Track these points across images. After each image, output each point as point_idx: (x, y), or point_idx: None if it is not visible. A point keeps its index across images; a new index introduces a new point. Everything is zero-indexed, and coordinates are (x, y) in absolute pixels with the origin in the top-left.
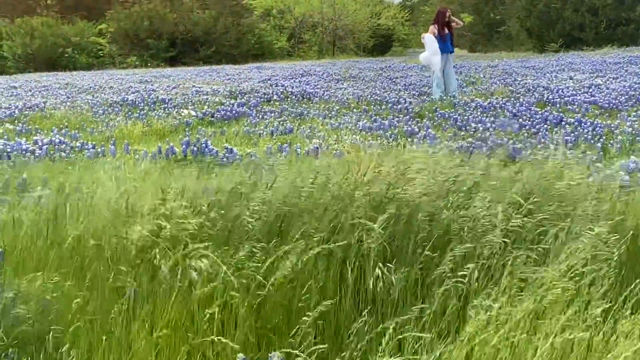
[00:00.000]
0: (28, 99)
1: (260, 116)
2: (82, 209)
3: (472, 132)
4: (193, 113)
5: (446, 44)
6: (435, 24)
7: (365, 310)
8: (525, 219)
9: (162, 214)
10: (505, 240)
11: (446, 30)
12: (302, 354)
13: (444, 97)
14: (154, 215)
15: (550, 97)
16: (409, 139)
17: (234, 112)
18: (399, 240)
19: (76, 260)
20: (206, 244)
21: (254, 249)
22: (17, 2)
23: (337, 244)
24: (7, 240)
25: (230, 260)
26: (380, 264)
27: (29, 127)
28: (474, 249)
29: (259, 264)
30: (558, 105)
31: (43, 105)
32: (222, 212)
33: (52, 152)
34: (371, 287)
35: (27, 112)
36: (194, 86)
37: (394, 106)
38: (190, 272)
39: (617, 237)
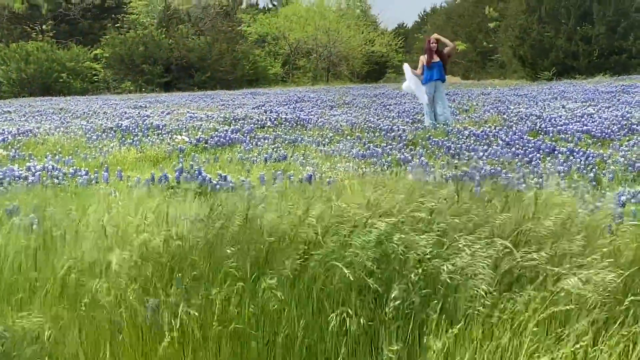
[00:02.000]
0: (22, 125)
1: (254, 143)
2: (72, 238)
3: (465, 161)
4: (187, 139)
5: (431, 72)
6: (425, 53)
7: None
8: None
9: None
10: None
11: (435, 58)
12: None
13: (437, 125)
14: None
15: (543, 125)
16: (403, 167)
17: (227, 138)
18: None
19: (65, 292)
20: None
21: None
22: (12, 27)
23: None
24: None
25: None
26: None
27: (23, 152)
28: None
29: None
30: (551, 134)
31: (37, 130)
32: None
33: (45, 178)
34: None
35: (20, 137)
36: (188, 112)
37: (388, 133)
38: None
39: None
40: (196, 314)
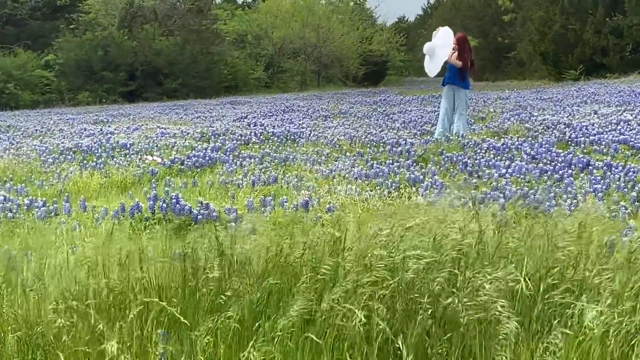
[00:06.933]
0: None
1: (238, 163)
2: (31, 284)
3: (485, 180)
4: (159, 160)
5: (451, 74)
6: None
7: None
8: None
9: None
10: None
11: (452, 60)
12: None
13: (450, 137)
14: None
15: (573, 135)
16: (413, 188)
17: (207, 158)
18: None
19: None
20: None
21: None
22: None
23: None
24: None
25: None
26: None
27: None
28: None
29: None
30: (582, 145)
31: None
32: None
33: None
34: None
35: None
36: (158, 127)
37: (393, 148)
38: None
39: None
40: None
